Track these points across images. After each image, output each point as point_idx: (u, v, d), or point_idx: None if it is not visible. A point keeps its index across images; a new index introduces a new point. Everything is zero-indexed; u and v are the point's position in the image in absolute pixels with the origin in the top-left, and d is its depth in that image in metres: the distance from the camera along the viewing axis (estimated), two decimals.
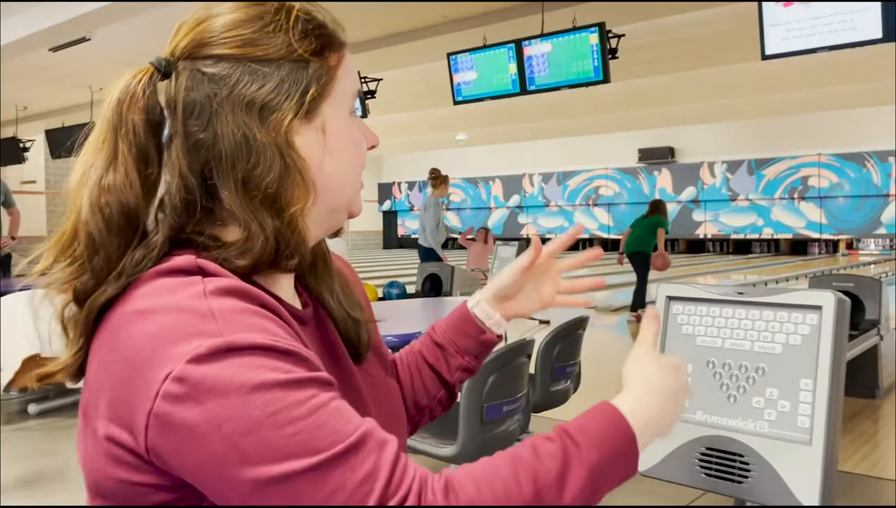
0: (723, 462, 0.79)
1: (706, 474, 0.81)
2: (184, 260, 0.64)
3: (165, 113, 0.67)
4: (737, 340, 0.81)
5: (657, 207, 8.06)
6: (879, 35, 5.01)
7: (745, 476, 0.77)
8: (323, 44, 0.70)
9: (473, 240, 8.11)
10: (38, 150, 13.28)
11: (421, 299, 5.56)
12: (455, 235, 8.58)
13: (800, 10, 5.26)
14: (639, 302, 7.66)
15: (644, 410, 0.68)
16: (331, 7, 0.74)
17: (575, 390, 3.05)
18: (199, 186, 0.66)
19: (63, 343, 0.66)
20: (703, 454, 0.81)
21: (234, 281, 0.63)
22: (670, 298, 0.87)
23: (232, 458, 0.55)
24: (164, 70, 0.68)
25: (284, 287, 0.72)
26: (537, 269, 0.91)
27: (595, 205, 20.06)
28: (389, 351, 0.93)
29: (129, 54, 8.31)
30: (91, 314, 0.64)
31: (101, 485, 0.62)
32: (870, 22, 5.03)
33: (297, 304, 0.75)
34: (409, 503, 0.56)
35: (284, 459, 0.55)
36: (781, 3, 5.31)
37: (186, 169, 0.66)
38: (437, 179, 7.40)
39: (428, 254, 7.40)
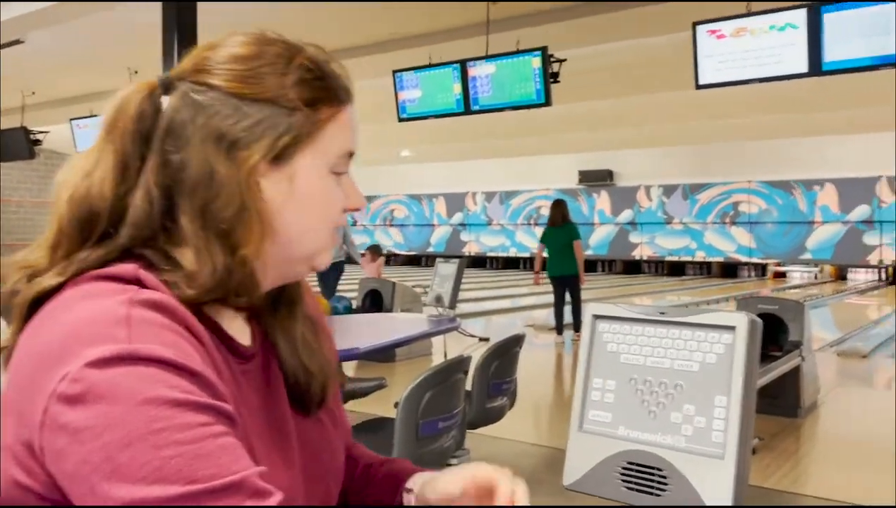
0: (642, 475, 0.82)
1: (627, 487, 0.84)
2: (125, 268, 0.64)
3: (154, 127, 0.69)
4: (658, 358, 0.85)
5: (562, 210, 7.65)
6: (805, 70, 5.29)
7: (663, 490, 0.81)
8: (318, 96, 0.70)
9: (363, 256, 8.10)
10: None
11: (361, 315, 5.53)
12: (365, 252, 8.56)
13: (732, 43, 5.51)
14: (580, 321, 7.72)
15: None
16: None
17: (511, 406, 3.08)
18: (162, 204, 0.67)
19: None
20: (624, 468, 0.84)
21: (165, 297, 0.63)
22: (596, 317, 0.90)
23: (104, 470, 0.53)
24: (165, 86, 0.70)
25: (231, 318, 0.72)
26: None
27: (536, 224, 20.35)
28: (348, 421, 0.90)
29: (64, 58, 8.08)
30: (26, 300, 0.64)
31: (2, 486, 0.60)
32: (796, 57, 5.30)
33: (245, 338, 0.74)
34: None
35: (156, 482, 0.53)
36: (715, 36, 5.55)
37: (153, 184, 0.67)
38: None
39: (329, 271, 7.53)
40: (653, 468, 0.81)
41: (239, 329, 0.73)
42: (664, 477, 0.80)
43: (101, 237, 0.67)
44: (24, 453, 0.57)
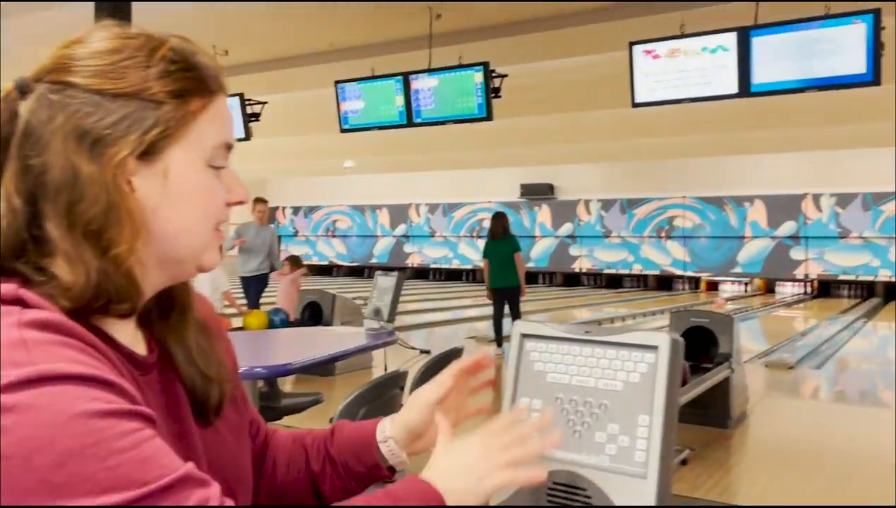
0: (567, 496, 0.82)
1: None
2: (4, 288, 0.61)
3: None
4: (583, 377, 0.85)
5: (502, 222, 7.64)
6: (735, 90, 5.49)
7: None
8: (185, 87, 0.68)
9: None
10: None
11: (298, 329, 5.45)
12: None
13: (666, 63, 5.67)
14: None
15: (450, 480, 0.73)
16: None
17: None
18: (26, 212, 0.63)
19: None
20: (550, 488, 0.84)
21: (53, 315, 0.60)
22: (524, 335, 0.90)
23: (41, 493, 0.52)
24: (22, 89, 0.66)
25: (123, 328, 0.69)
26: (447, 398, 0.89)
27: (479, 236, 20.46)
28: (260, 418, 0.90)
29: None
30: None
31: None
32: (727, 78, 5.50)
33: (141, 348, 0.72)
34: None
35: (104, 492, 0.52)
36: (650, 56, 5.70)
37: (13, 192, 0.63)
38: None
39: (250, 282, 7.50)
40: (577, 488, 0.81)
41: (131, 338, 0.71)
42: (588, 497, 0.80)
43: None
44: None
